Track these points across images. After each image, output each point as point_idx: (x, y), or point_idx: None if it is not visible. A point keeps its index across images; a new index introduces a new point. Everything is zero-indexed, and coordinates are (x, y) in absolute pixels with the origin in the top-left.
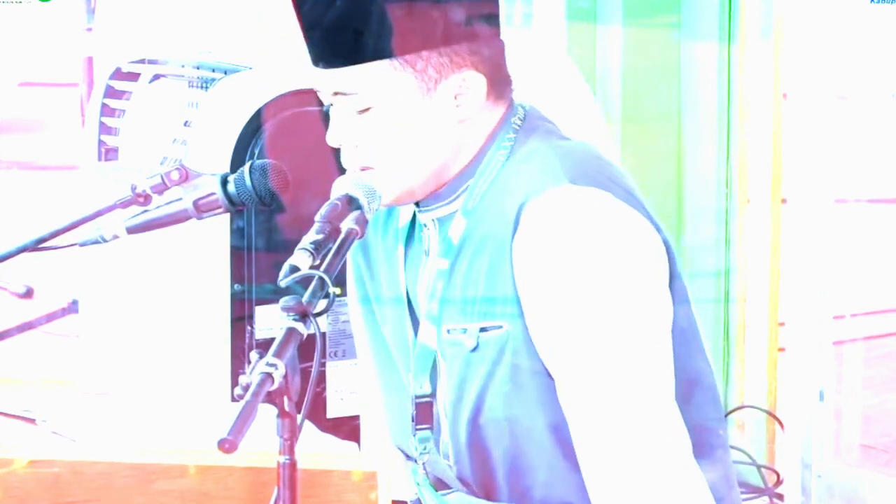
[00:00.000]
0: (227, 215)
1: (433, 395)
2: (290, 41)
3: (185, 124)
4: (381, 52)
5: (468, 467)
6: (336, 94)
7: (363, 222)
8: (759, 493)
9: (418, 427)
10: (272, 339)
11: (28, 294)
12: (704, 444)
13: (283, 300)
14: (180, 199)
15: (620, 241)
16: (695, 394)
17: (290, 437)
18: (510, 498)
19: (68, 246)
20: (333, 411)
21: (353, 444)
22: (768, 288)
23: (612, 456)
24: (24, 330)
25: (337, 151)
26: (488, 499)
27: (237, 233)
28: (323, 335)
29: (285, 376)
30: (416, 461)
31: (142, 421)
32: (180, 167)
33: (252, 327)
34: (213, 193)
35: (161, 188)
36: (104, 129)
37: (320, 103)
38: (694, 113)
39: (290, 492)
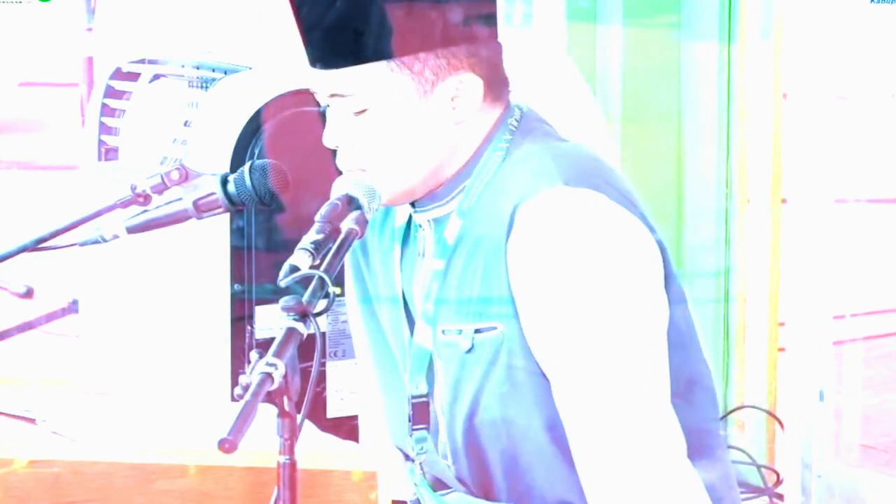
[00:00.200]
0: (227, 215)
1: (429, 395)
2: (290, 41)
3: (185, 124)
4: (378, 54)
5: (466, 467)
6: (333, 95)
7: (363, 222)
8: (759, 493)
9: (415, 427)
10: (272, 339)
11: (28, 294)
12: (704, 444)
13: (283, 300)
14: (180, 199)
15: (614, 243)
16: (694, 394)
17: (290, 437)
18: (509, 497)
19: (68, 246)
20: (333, 411)
21: (353, 444)
22: (768, 288)
23: (607, 457)
24: (24, 330)
25: (336, 152)
26: (487, 498)
27: (237, 233)
28: (323, 335)
29: (285, 376)
30: (413, 461)
31: (142, 421)
32: (180, 167)
33: (252, 327)
34: (213, 193)
35: (161, 188)
36: (104, 129)
37: (319, 103)
38: (694, 113)
39: (290, 492)
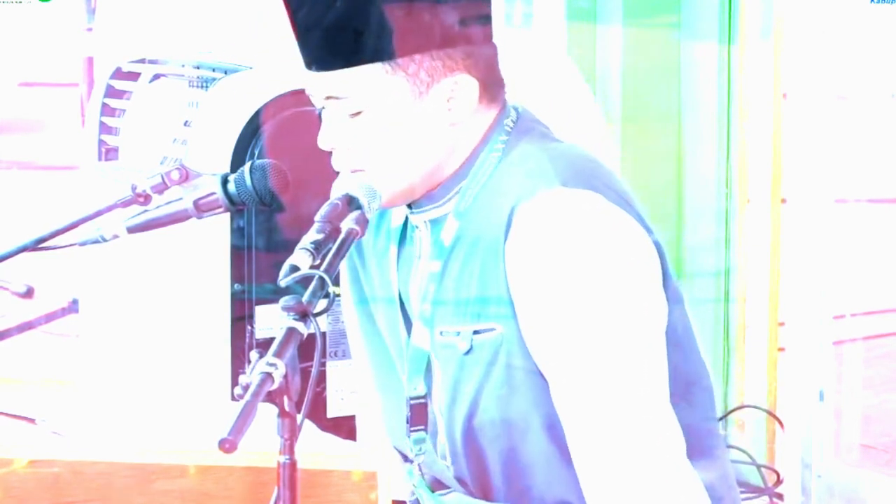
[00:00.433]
0: (227, 215)
1: (427, 396)
2: (290, 41)
3: (185, 124)
4: (374, 56)
5: (465, 468)
6: (328, 97)
7: (363, 222)
8: (759, 493)
9: (413, 428)
10: (272, 339)
11: (28, 294)
12: (703, 444)
13: (283, 300)
14: (180, 198)
15: (612, 244)
16: (693, 394)
17: (290, 437)
18: (508, 498)
19: (68, 246)
20: (333, 411)
21: (353, 444)
22: (768, 288)
23: (606, 457)
24: (24, 330)
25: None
26: (486, 499)
27: (237, 233)
28: (323, 335)
29: (285, 376)
30: (412, 462)
31: (142, 421)
32: (180, 167)
33: (252, 327)
34: (213, 193)
35: (161, 188)
36: (104, 128)
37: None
38: (694, 113)
39: (290, 492)
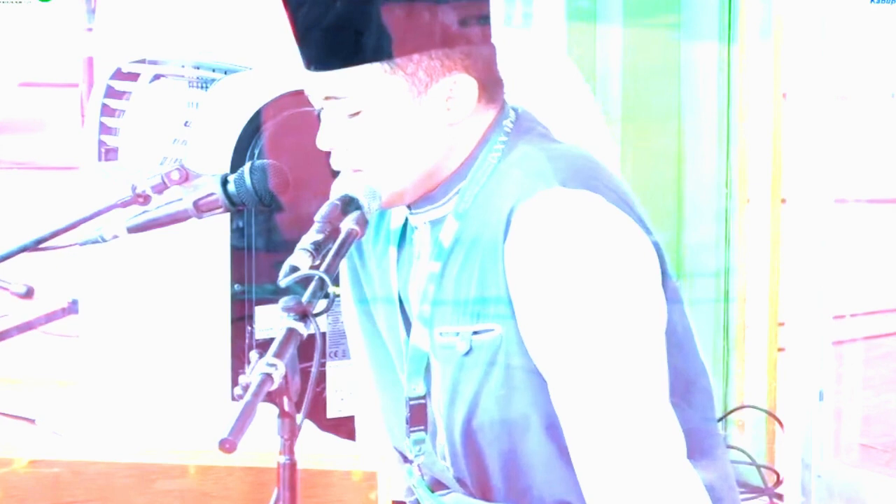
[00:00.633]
0: (227, 215)
1: (427, 396)
2: (289, 41)
3: (185, 124)
4: (372, 56)
5: (465, 468)
6: (327, 98)
7: (363, 222)
8: (759, 493)
9: (413, 429)
10: (272, 339)
11: (28, 294)
12: (703, 444)
13: (283, 300)
14: (180, 199)
15: (611, 244)
16: (692, 394)
17: (290, 437)
18: (507, 498)
19: (68, 246)
20: (333, 411)
21: (353, 444)
22: (768, 288)
23: (606, 457)
24: (24, 330)
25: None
26: (485, 499)
27: (237, 233)
28: (323, 335)
29: (285, 376)
30: (411, 462)
31: (142, 421)
32: (180, 167)
33: (252, 327)
34: (213, 193)
35: (161, 188)
36: (104, 129)
37: None
38: (694, 113)
39: (290, 492)
